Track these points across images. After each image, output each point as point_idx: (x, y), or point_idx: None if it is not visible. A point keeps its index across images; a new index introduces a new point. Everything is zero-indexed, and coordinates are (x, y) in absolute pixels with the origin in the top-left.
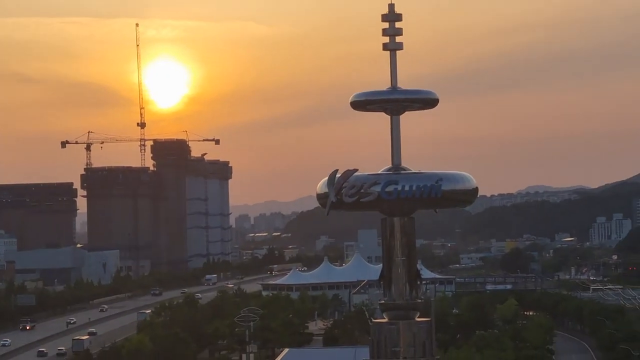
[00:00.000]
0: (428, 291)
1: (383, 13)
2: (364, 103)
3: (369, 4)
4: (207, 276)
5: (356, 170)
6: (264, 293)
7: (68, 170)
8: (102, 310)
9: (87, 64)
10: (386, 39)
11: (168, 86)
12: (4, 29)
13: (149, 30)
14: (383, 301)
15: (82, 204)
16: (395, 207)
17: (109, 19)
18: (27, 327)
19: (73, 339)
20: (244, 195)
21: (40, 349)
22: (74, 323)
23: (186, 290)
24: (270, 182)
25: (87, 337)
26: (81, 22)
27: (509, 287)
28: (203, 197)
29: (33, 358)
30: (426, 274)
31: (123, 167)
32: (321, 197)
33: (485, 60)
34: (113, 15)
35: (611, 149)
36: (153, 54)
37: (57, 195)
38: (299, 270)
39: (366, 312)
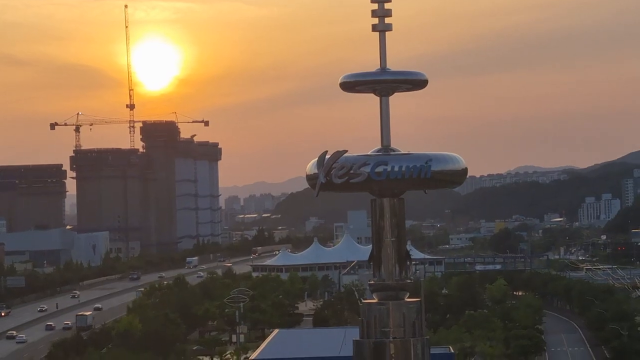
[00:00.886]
0: (418, 272)
1: None
2: (353, 84)
3: None
4: (188, 259)
5: (345, 151)
6: (254, 274)
7: (57, 152)
8: (73, 297)
9: (76, 45)
10: (375, 20)
11: (157, 68)
12: None
13: (138, 12)
14: (372, 282)
15: (71, 185)
16: (384, 188)
17: (98, 0)
18: (2, 314)
19: (77, 315)
20: (234, 176)
21: (48, 323)
22: (45, 311)
23: (163, 274)
24: (259, 164)
25: (90, 312)
26: (70, 3)
27: (498, 267)
28: (192, 179)
29: (42, 331)
30: (416, 254)
31: (112, 148)
32: (310, 179)
33: (474, 41)
34: None
35: (601, 129)
36: (142, 36)
37: (46, 177)
38: (288, 251)
39: (356, 293)
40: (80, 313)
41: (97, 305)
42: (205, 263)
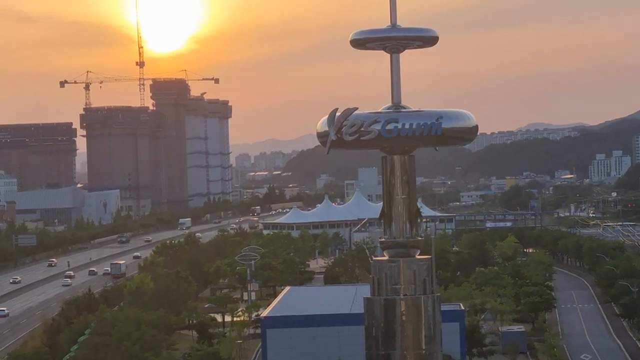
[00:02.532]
0: (428, 229)
1: None
2: (364, 41)
3: None
4: (181, 220)
5: (356, 108)
6: (265, 232)
7: (67, 110)
8: (50, 265)
9: (86, 2)
10: None
11: (167, 25)
12: None
13: None
14: (383, 239)
15: (81, 143)
16: (395, 145)
17: None
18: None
19: (111, 263)
20: (244, 134)
21: (91, 269)
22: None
23: (150, 238)
24: (270, 121)
25: (123, 261)
26: None
27: (508, 224)
28: (203, 136)
29: (85, 276)
30: (426, 211)
31: (122, 106)
32: (321, 136)
33: None
34: None
35: (612, 85)
36: None
37: (56, 135)
38: (298, 208)
39: (367, 250)
40: (114, 262)
41: (136, 254)
42: (219, 220)
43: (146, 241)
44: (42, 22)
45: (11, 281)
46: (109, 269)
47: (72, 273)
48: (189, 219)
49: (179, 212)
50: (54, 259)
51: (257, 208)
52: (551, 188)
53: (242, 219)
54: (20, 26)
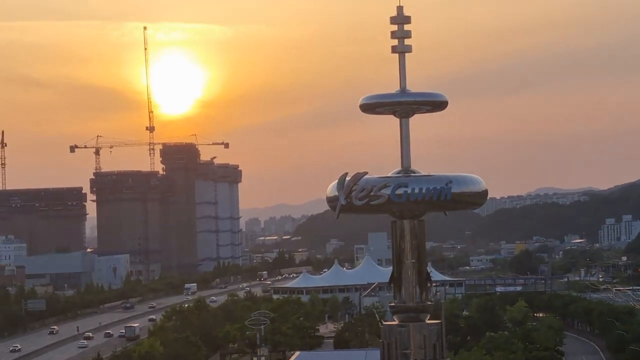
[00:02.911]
0: (438, 293)
1: (392, 15)
2: (373, 106)
3: (378, 6)
4: (187, 285)
5: (366, 173)
6: (275, 296)
7: (77, 174)
8: (52, 333)
9: (96, 67)
10: (395, 42)
11: (177, 89)
12: (14, 32)
13: (158, 34)
14: (393, 303)
15: (91, 208)
16: (405, 209)
17: (118, 22)
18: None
19: (125, 326)
20: (254, 198)
21: (107, 331)
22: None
23: (154, 304)
24: (280, 186)
25: (137, 324)
26: (91, 25)
27: (518, 288)
28: (213, 201)
29: (101, 338)
30: (436, 276)
31: (132, 171)
32: (331, 200)
33: (493, 61)
34: (123, 19)
35: (621, 150)
36: (163, 57)
37: (66, 200)
38: (308, 273)
39: (376, 315)
40: (129, 325)
41: (151, 316)
42: (229, 285)
43: (150, 307)
44: (53, 87)
45: (11, 349)
46: (124, 331)
47: (90, 334)
48: (195, 284)
49: (189, 277)
50: (55, 327)
51: (264, 273)
52: (561, 252)
53: (244, 284)
54: (30, 91)
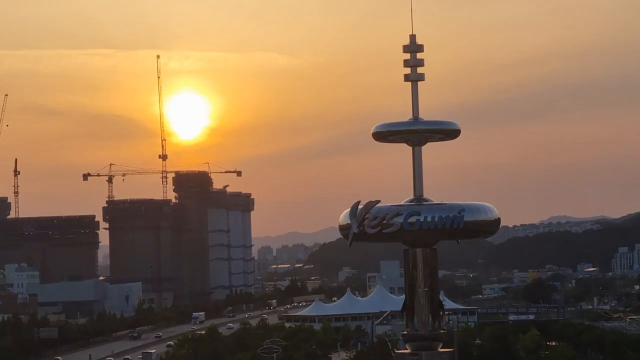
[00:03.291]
0: (450, 322)
1: (405, 44)
2: (386, 134)
3: (390, 34)
4: (195, 314)
5: (378, 201)
6: (287, 324)
7: (90, 202)
8: None
9: (109, 95)
10: (408, 70)
11: (190, 117)
12: (28, 61)
13: (171, 62)
14: (406, 332)
15: (104, 236)
16: (417, 238)
17: (132, 50)
18: None
19: (142, 352)
20: (266, 226)
21: (126, 357)
22: None
23: (160, 334)
24: (292, 214)
25: (154, 350)
26: (104, 53)
27: (531, 317)
28: (225, 229)
29: None
30: (449, 304)
31: (145, 199)
32: (343, 229)
33: (506, 90)
34: (136, 47)
35: (634, 178)
36: (175, 85)
37: (79, 228)
38: (320, 301)
39: (389, 343)
40: (145, 351)
41: (169, 342)
42: (238, 313)
43: (156, 337)
44: (66, 115)
45: None
46: (141, 356)
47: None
48: (203, 313)
49: (201, 305)
50: (59, 357)
51: (273, 301)
52: (574, 281)
53: (251, 313)
54: (44, 119)
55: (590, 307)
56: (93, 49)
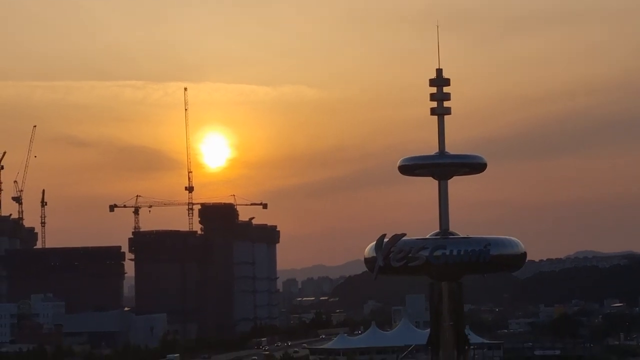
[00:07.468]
0: (476, 356)
1: (431, 78)
2: (412, 167)
3: (418, 68)
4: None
5: (404, 234)
6: (312, 358)
7: (116, 233)
8: None
9: (138, 127)
10: (434, 104)
11: (217, 149)
12: (58, 93)
13: (201, 94)
14: None
15: (130, 267)
16: (443, 271)
17: (161, 82)
18: None
19: None
20: (292, 259)
21: None
22: None
23: None
24: (317, 246)
25: None
26: (134, 85)
27: (557, 352)
28: (250, 261)
29: None
30: (474, 339)
31: (171, 230)
32: (369, 262)
33: (533, 124)
34: (165, 79)
35: None
36: (204, 117)
37: (105, 259)
38: (345, 334)
39: None
40: None
41: None
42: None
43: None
44: (94, 146)
45: None
46: None
47: None
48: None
49: (226, 337)
50: None
51: (264, 340)
52: (600, 316)
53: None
54: (72, 150)
55: (616, 342)
56: (122, 81)
